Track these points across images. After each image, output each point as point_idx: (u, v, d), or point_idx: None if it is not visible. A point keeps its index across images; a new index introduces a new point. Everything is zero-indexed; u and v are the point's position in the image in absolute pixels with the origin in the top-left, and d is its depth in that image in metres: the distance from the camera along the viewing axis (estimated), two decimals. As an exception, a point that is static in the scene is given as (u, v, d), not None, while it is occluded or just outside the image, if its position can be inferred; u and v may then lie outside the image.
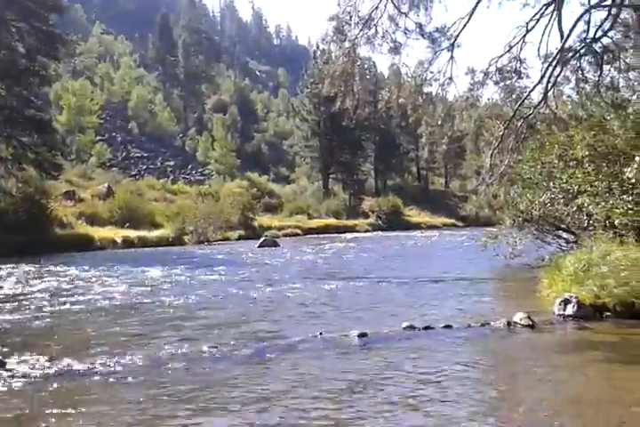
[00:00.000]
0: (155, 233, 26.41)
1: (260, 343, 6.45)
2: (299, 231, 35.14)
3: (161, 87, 74.08)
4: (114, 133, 59.12)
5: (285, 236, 32.28)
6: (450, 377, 5.10)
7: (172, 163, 56.60)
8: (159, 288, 11.19)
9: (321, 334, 6.73)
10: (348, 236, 32.03)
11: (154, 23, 79.89)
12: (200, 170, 55.73)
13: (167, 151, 59.68)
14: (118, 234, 24.81)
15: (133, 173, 50.01)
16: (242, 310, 8.78)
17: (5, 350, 6.13)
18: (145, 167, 53.16)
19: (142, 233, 25.84)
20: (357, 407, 4.39)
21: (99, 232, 24.25)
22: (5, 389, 4.94)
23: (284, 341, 6.56)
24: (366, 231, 38.09)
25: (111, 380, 5.17)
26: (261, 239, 24.95)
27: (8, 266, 14.81)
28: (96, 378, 5.23)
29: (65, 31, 28.72)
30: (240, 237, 30.07)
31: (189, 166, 56.62)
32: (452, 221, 46.06)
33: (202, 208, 29.59)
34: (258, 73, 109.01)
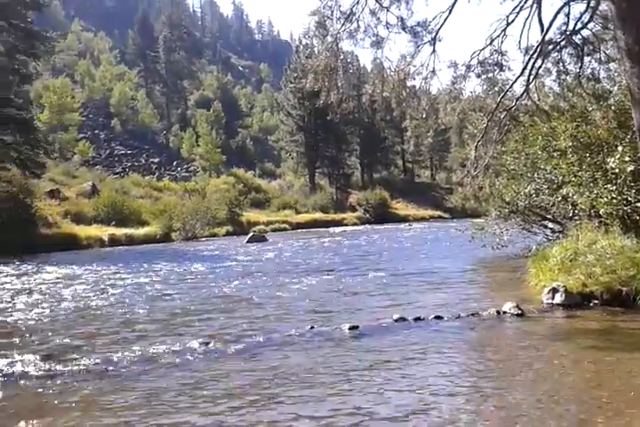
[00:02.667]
0: (142, 231, 26.27)
1: (251, 338, 6.48)
2: (287, 226, 35.15)
3: (143, 83, 73.41)
4: (96, 131, 58.56)
5: (273, 231, 32.26)
6: (442, 368, 5.18)
7: (156, 160, 56.18)
8: (148, 286, 11.16)
9: (312, 327, 6.78)
10: (337, 230, 32.10)
11: (133, 19, 79.11)
12: (185, 166, 55.37)
13: (151, 148, 59.22)
14: (105, 232, 24.66)
15: (118, 170, 49.60)
16: (232, 306, 8.81)
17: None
18: (129, 164, 52.74)
19: (129, 231, 25.70)
20: (348, 398, 4.45)
21: (85, 231, 24.07)
22: (6, 388, 4.93)
23: (274, 335, 6.59)
24: (354, 225, 38.19)
25: (105, 377, 5.19)
26: (249, 235, 24.95)
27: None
28: (90, 376, 5.24)
29: (43, 28, 28.38)
30: (228, 233, 30.01)
31: (174, 163, 56.24)
32: (439, 213, 46.30)
33: (188, 205, 29.53)
34: (240, 68, 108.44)
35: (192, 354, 5.88)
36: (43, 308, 8.85)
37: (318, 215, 39.91)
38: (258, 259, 16.30)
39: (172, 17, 77.96)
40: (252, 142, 67.65)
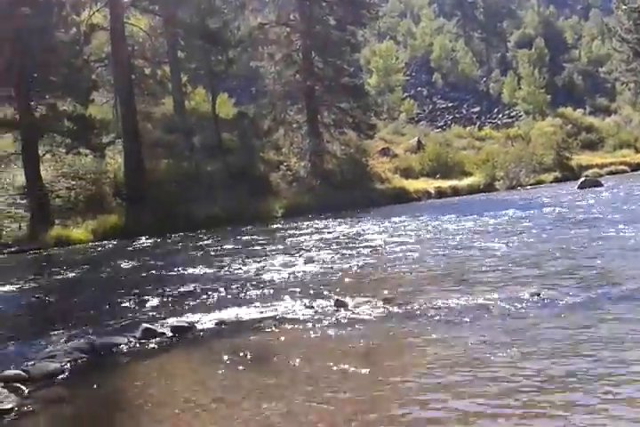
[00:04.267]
0: (465, 181, 26.70)
1: (588, 291, 6.07)
2: (625, 168, 31.26)
3: (461, 32, 72.74)
4: (419, 88, 60.62)
5: (609, 174, 29.12)
6: None
7: (476, 109, 55.62)
8: (469, 234, 11.29)
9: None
10: (693, 168, 27.27)
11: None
12: (507, 112, 53.53)
13: (471, 98, 58.79)
14: (431, 185, 25.81)
15: (440, 124, 50.74)
16: (567, 256, 8.31)
17: (345, 292, 6.99)
18: (451, 117, 53.43)
19: (453, 182, 26.40)
20: None
21: (413, 184, 25.58)
22: (349, 326, 5.67)
23: (614, 288, 6.06)
24: None
25: (438, 321, 5.52)
26: (581, 180, 23.08)
27: (339, 220, 16.76)
28: (424, 319, 5.64)
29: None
30: (556, 180, 28.29)
31: (495, 110, 54.85)
32: None
33: (511, 152, 28.82)
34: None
35: (522, 305, 5.79)
36: (376, 252, 9.82)
37: (668, 152, 34.41)
38: (593, 205, 14.99)
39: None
40: (581, 77, 61.41)
